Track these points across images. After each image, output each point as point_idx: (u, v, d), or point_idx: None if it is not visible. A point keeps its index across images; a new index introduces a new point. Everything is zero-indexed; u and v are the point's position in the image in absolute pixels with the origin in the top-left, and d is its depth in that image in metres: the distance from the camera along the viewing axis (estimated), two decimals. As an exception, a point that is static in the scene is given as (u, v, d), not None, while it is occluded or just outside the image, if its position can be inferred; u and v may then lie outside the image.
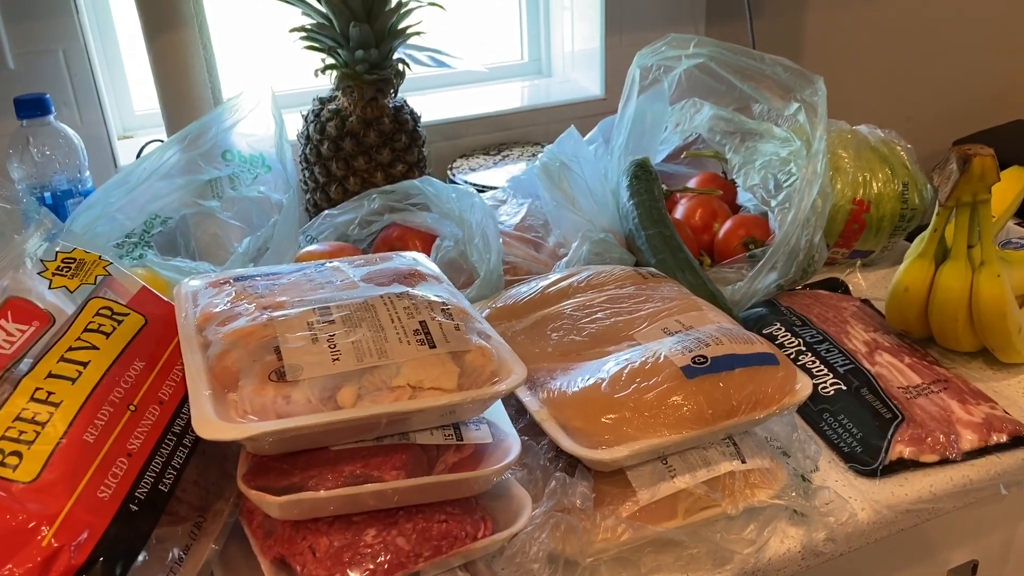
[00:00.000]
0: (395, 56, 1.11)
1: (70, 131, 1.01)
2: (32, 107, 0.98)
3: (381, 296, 0.63)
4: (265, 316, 0.61)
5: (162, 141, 1.14)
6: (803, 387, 0.69)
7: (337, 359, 0.57)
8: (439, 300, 0.64)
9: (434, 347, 0.59)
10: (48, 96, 0.99)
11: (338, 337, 0.59)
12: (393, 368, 0.57)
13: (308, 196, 1.16)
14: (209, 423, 0.52)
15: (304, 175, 1.15)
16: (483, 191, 1.16)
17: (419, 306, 0.62)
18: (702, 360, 0.67)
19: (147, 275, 0.96)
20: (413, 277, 0.69)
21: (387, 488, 0.55)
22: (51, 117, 1.00)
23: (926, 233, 0.87)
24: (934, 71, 1.77)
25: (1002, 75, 1.85)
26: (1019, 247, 0.93)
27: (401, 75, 1.12)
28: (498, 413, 0.65)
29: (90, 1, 1.19)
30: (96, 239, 0.94)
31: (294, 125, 1.16)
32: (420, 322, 0.61)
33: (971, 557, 0.87)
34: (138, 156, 1.15)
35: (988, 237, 0.83)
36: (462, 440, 0.60)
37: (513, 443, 0.61)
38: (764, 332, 0.93)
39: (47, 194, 1.01)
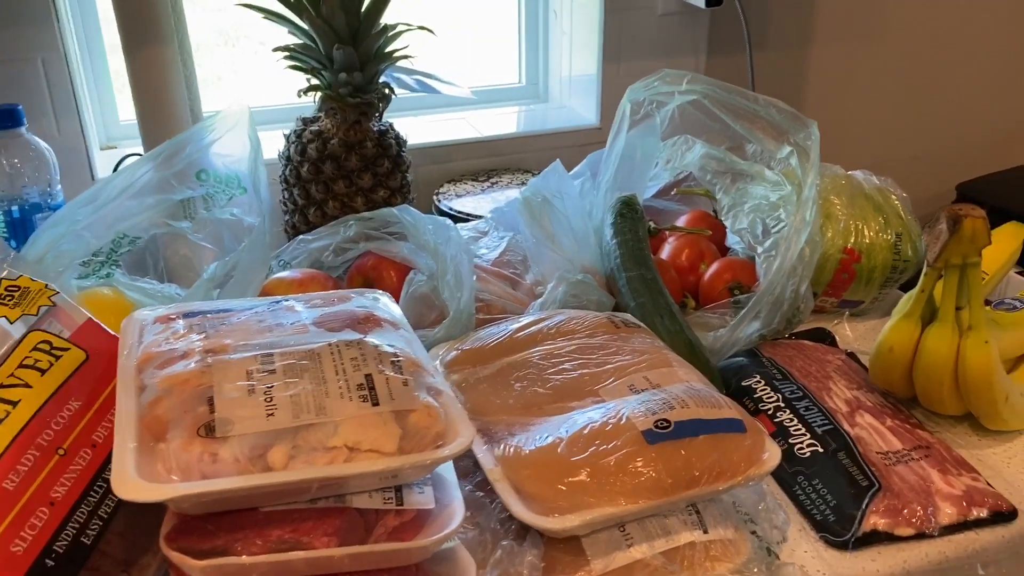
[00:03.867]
0: (381, 79, 1.08)
1: (42, 144, 0.99)
2: (3, 118, 0.96)
3: (329, 344, 0.60)
4: (205, 361, 0.58)
5: (140, 155, 1.12)
6: (771, 456, 0.66)
7: (272, 414, 0.54)
8: (390, 351, 0.61)
9: (377, 404, 0.56)
10: (20, 107, 0.97)
11: (276, 389, 0.56)
12: (331, 427, 0.54)
13: (287, 218, 1.14)
14: (126, 482, 0.49)
15: (284, 196, 1.13)
16: (467, 220, 1.13)
17: (368, 357, 0.60)
18: (665, 424, 0.64)
19: (112, 295, 0.93)
20: (368, 322, 0.66)
21: (317, 556, 0.52)
22: (23, 129, 0.98)
23: (913, 292, 0.83)
24: (941, 112, 1.74)
25: (1009, 119, 1.81)
26: (1012, 308, 0.89)
27: (386, 99, 1.09)
28: (447, 472, 0.62)
29: (77, 9, 1.17)
30: (61, 257, 0.92)
31: (277, 143, 1.13)
32: (366, 375, 0.58)
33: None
34: (115, 170, 1.12)
35: (977, 300, 0.79)
36: (403, 505, 0.57)
37: (457, 508, 0.57)
38: (743, 384, 0.90)
39: (15, 208, 0.98)
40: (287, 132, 1.12)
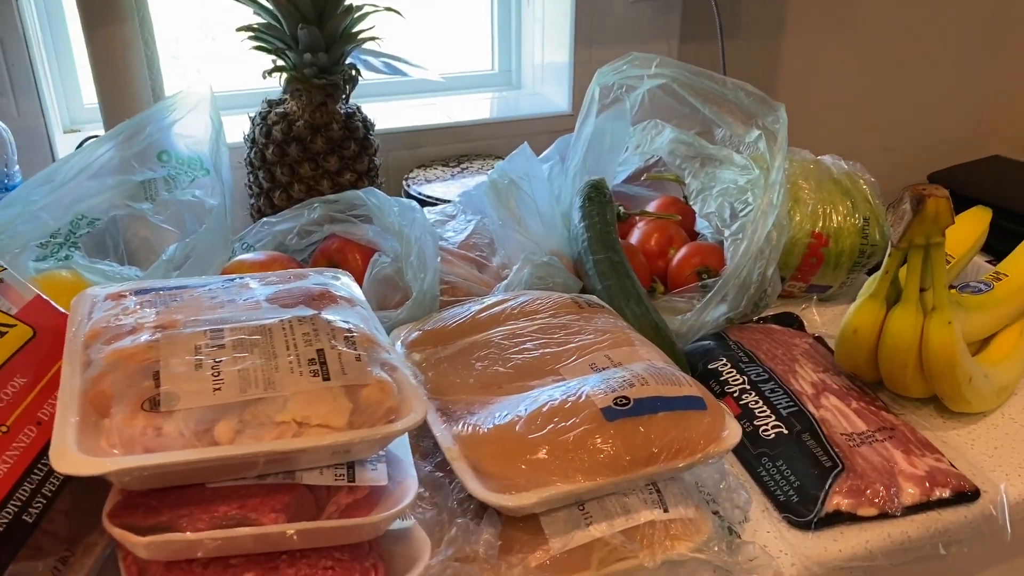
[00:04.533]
0: (347, 61, 1.07)
1: (-2, 123, 0.97)
2: (-42, 97, 0.94)
3: (281, 320, 0.59)
4: (152, 337, 0.57)
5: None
6: (731, 434, 0.65)
7: (219, 389, 0.53)
8: (344, 327, 0.60)
9: (328, 379, 0.55)
10: (-25, 86, 0.95)
11: (224, 364, 0.54)
12: (279, 401, 0.53)
13: (252, 201, 1.12)
14: (65, 456, 0.48)
15: (249, 179, 1.11)
16: (435, 204, 1.12)
17: (320, 332, 0.58)
18: (624, 402, 0.63)
19: (72, 277, 0.91)
20: (323, 299, 0.64)
21: (265, 532, 0.51)
22: (-22, 108, 0.95)
23: (878, 274, 0.83)
24: (911, 103, 1.74)
25: (979, 109, 1.82)
26: (976, 291, 0.89)
27: (353, 80, 1.08)
28: (401, 449, 0.61)
29: (38, -12, 1.14)
30: (17, 238, 0.90)
31: (242, 126, 1.12)
32: (318, 350, 0.57)
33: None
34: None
35: (941, 281, 0.79)
36: (354, 481, 0.56)
37: (411, 485, 0.56)
38: (709, 367, 0.89)
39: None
40: (252, 114, 1.11)
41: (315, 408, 0.53)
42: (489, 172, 1.00)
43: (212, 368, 0.54)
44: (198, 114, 0.99)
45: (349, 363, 0.56)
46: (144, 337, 0.57)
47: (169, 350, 0.55)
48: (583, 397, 0.64)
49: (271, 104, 1.09)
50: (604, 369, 0.69)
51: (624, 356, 0.70)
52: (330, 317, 0.61)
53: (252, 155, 1.09)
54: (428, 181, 1.24)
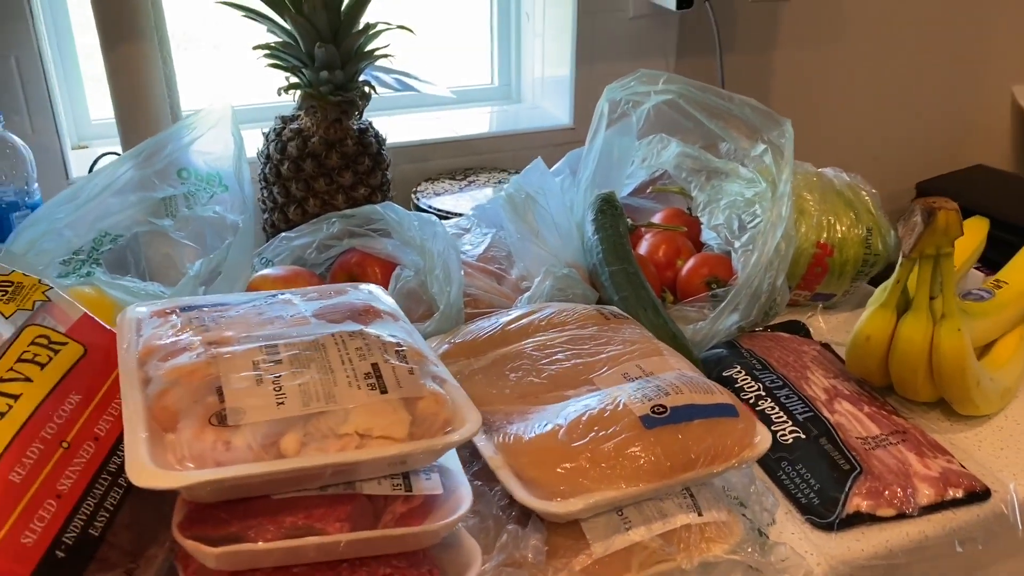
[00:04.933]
0: (361, 78, 1.09)
1: (19, 141, 0.97)
2: (-21, 115, 0.95)
3: (332, 335, 0.61)
4: (209, 353, 0.58)
5: (117, 154, 1.11)
6: (762, 440, 0.68)
7: (282, 403, 0.54)
8: (393, 341, 0.62)
9: (385, 392, 0.57)
10: (-3, 104, 0.96)
11: (284, 379, 0.56)
12: (341, 414, 0.55)
13: (266, 216, 1.14)
14: (143, 470, 0.50)
15: (263, 195, 1.13)
16: (447, 218, 1.14)
17: (372, 347, 0.60)
18: (661, 410, 0.66)
19: (94, 294, 0.92)
20: (368, 314, 0.66)
21: (330, 542, 0.53)
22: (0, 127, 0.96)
23: (889, 283, 0.86)
24: (901, 113, 1.79)
25: (963, 120, 1.88)
26: (979, 299, 0.93)
27: (367, 97, 1.10)
28: (451, 460, 0.63)
29: (48, 7, 1.15)
30: (42, 255, 0.91)
31: (254, 142, 1.13)
32: (372, 365, 0.59)
33: (923, 612, 0.86)
34: (91, 169, 1.11)
35: (950, 290, 0.82)
36: (411, 491, 0.57)
37: (465, 494, 0.58)
38: (724, 375, 0.92)
39: (-4, 206, 0.97)
40: (266, 130, 1.12)
41: (376, 420, 0.55)
42: (505, 186, 1.02)
43: (273, 383, 0.56)
44: (217, 131, 1.00)
45: (403, 376, 0.58)
46: (200, 353, 0.59)
47: (228, 366, 0.57)
48: (621, 406, 0.66)
49: (285, 120, 1.11)
50: (637, 379, 0.71)
51: (655, 366, 0.73)
52: (377, 331, 0.63)
53: (267, 170, 1.11)
54: (437, 194, 1.26)
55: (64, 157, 1.15)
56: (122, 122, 1.01)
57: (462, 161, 1.38)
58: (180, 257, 0.99)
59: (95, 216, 0.94)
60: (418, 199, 1.25)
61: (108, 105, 1.29)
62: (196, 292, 0.89)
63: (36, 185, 1.00)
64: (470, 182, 1.31)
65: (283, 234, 1.03)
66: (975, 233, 1.03)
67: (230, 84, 1.36)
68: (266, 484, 0.53)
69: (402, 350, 0.61)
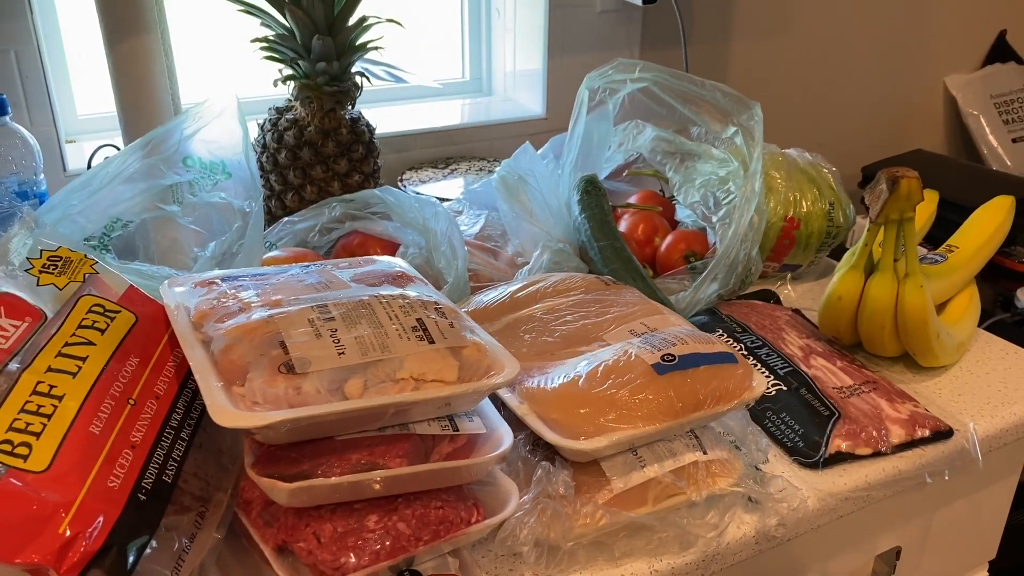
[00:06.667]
0: (353, 69, 1.14)
1: (27, 133, 1.00)
2: (-11, 108, 0.97)
3: (376, 296, 0.66)
4: (265, 313, 0.63)
5: (115, 146, 1.14)
6: (759, 384, 0.76)
7: (342, 353, 0.60)
8: (432, 299, 0.67)
9: (433, 343, 0.63)
10: (4, 96, 0.98)
11: (340, 332, 0.61)
12: (396, 362, 0.60)
13: (263, 203, 1.18)
14: (227, 412, 0.55)
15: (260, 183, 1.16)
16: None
17: (413, 305, 0.66)
18: (670, 358, 0.73)
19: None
20: (402, 279, 0.72)
21: (393, 475, 0.58)
22: (7, 118, 0.99)
23: (857, 247, 0.95)
24: (843, 100, 1.91)
25: (902, 106, 2.00)
26: (934, 262, 1.02)
27: (359, 88, 1.15)
28: (486, 407, 0.69)
29: (37, 3, 1.17)
30: (57, 240, 0.93)
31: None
32: (417, 319, 0.64)
33: (895, 543, 0.95)
34: (90, 160, 1.14)
35: (912, 251, 0.91)
36: (457, 431, 0.63)
37: (505, 434, 0.65)
38: (709, 338, 1.00)
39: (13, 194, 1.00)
40: (261, 121, 1.16)
41: (429, 366, 0.61)
42: (497, 170, 1.09)
43: (331, 336, 0.61)
44: (220, 121, 1.04)
45: (445, 329, 0.64)
46: (257, 314, 0.64)
47: (286, 323, 0.62)
48: (633, 356, 0.73)
49: (280, 111, 1.15)
50: (643, 334, 0.78)
51: (658, 323, 0.80)
52: (414, 293, 0.69)
53: (263, 160, 1.15)
54: (423, 182, 1.32)
55: (61, 150, 1.18)
56: (125, 113, 1.04)
57: (441, 151, 1.44)
58: (187, 242, 1.03)
59: (107, 203, 0.97)
60: (405, 186, 1.31)
61: (91, 102, 1.32)
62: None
63: (43, 176, 1.03)
64: (452, 170, 1.37)
65: (286, 218, 1.07)
66: (927, 204, 1.13)
67: (216, 78, 1.40)
68: (336, 423, 0.59)
69: (440, 307, 0.67)
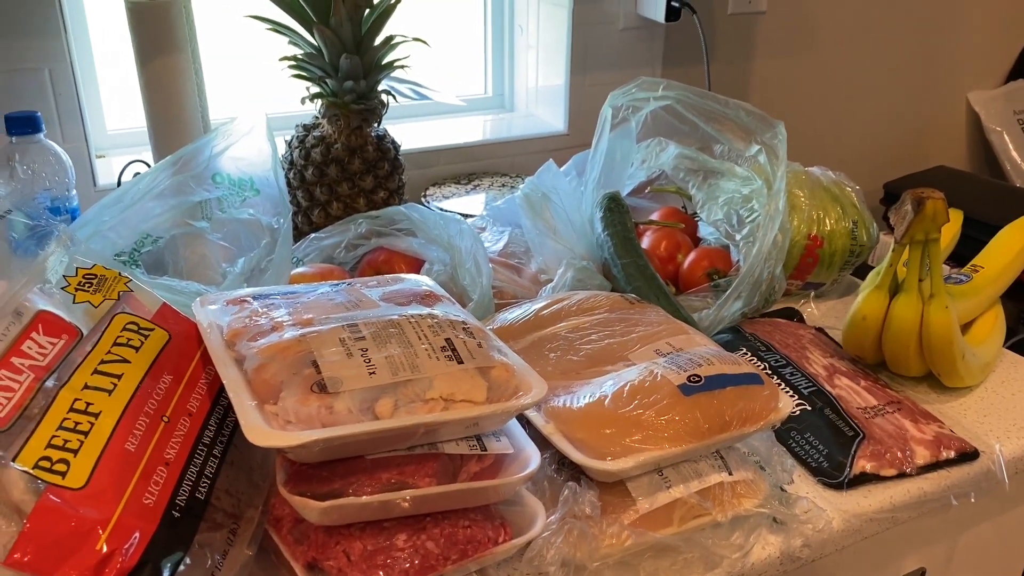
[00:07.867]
0: (380, 87, 1.15)
1: (60, 150, 1.02)
2: (23, 124, 0.99)
3: (406, 316, 0.67)
4: (297, 332, 0.64)
5: (144, 162, 1.16)
6: (785, 405, 0.76)
7: (373, 372, 0.61)
8: (460, 319, 0.68)
9: (462, 363, 0.63)
10: (39, 114, 1.00)
11: (371, 352, 0.62)
12: (426, 382, 0.61)
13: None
14: (260, 431, 0.55)
15: (286, 199, 1.18)
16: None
17: (442, 324, 0.67)
18: (697, 379, 0.73)
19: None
20: (430, 298, 0.73)
21: (422, 494, 0.59)
22: (41, 135, 1.01)
23: (882, 267, 0.95)
24: (868, 118, 1.90)
25: (925, 123, 2.00)
26: (959, 282, 1.02)
27: (385, 105, 1.16)
28: (513, 426, 0.69)
29: (71, 22, 1.19)
30: (89, 256, 0.95)
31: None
32: (446, 339, 0.65)
33: (920, 565, 0.95)
34: (120, 176, 1.16)
35: (937, 271, 0.91)
36: (485, 450, 0.64)
37: (532, 454, 0.65)
38: (732, 356, 1.00)
39: (29, 212, 1.01)
40: (288, 138, 1.18)
41: (458, 386, 0.61)
42: (521, 187, 1.09)
43: (362, 356, 0.62)
44: (249, 139, 1.05)
45: (474, 349, 0.65)
46: (289, 333, 0.65)
47: (318, 343, 0.63)
48: (659, 377, 0.73)
49: (307, 128, 1.17)
50: (668, 354, 0.79)
51: (683, 343, 0.80)
52: (442, 312, 0.69)
53: (290, 176, 1.16)
54: (445, 197, 1.33)
55: (92, 165, 1.20)
56: (156, 130, 1.06)
57: (463, 167, 1.45)
58: (215, 258, 1.04)
59: (138, 219, 0.98)
60: (428, 202, 1.32)
61: (120, 118, 1.34)
62: (242, 288, 0.94)
63: (75, 192, 1.04)
64: (475, 186, 1.38)
65: (313, 235, 1.09)
66: (952, 224, 1.13)
67: (244, 94, 1.42)
68: (367, 443, 0.59)
69: (468, 327, 0.67)
